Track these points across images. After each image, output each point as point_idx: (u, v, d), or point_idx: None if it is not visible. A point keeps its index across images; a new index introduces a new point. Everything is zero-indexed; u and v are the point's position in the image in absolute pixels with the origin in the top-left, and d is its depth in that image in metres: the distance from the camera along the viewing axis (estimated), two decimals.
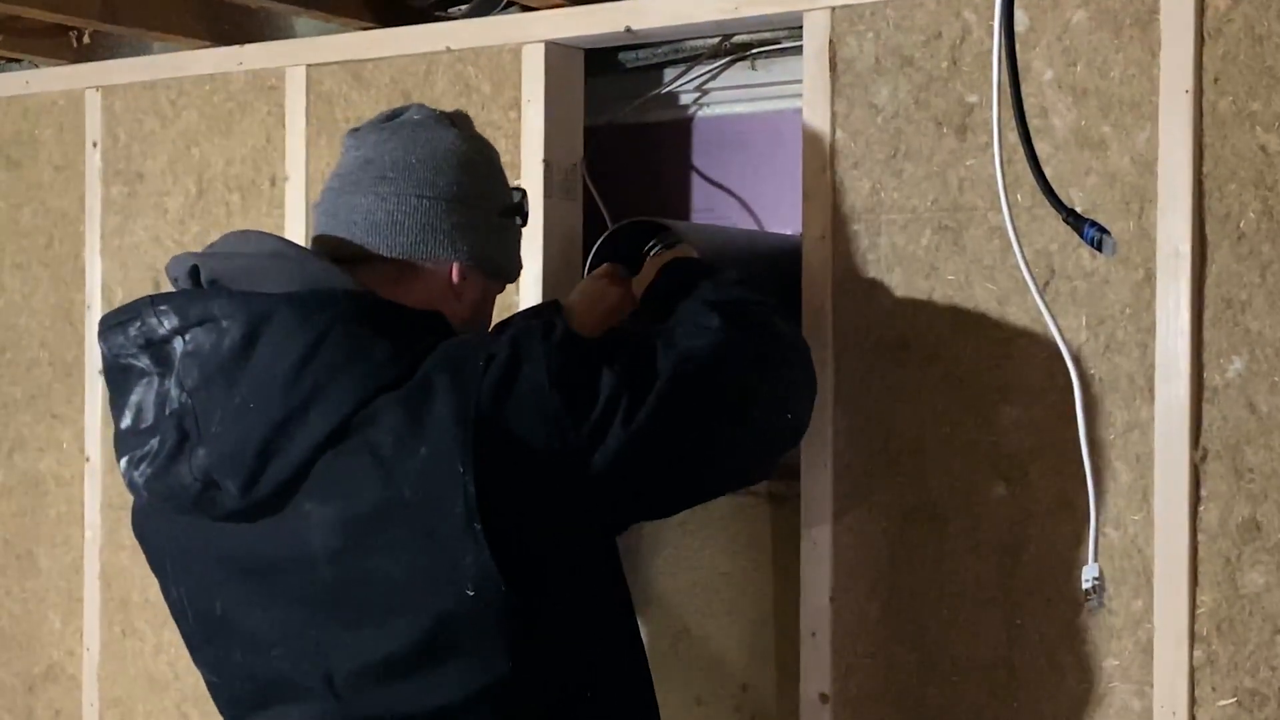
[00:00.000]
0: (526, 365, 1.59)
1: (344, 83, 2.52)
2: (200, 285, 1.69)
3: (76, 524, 2.87)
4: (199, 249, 2.70)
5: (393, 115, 1.82)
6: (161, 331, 1.64)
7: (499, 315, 2.32)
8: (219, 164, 2.69)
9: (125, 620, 2.80)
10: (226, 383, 1.59)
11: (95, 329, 2.78)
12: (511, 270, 1.86)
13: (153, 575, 2.73)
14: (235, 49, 2.67)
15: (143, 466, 1.66)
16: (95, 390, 2.84)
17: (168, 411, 1.63)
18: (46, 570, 2.92)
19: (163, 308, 1.65)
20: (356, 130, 1.82)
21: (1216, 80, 1.81)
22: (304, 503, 1.60)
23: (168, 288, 2.71)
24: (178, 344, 1.63)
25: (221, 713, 1.80)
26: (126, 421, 1.67)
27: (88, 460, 2.85)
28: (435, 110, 1.81)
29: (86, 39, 3.01)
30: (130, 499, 1.77)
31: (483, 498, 1.54)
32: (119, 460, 1.69)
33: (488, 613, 1.58)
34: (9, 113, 2.97)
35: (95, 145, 2.83)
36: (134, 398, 1.67)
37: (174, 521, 1.70)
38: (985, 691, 1.96)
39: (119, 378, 1.69)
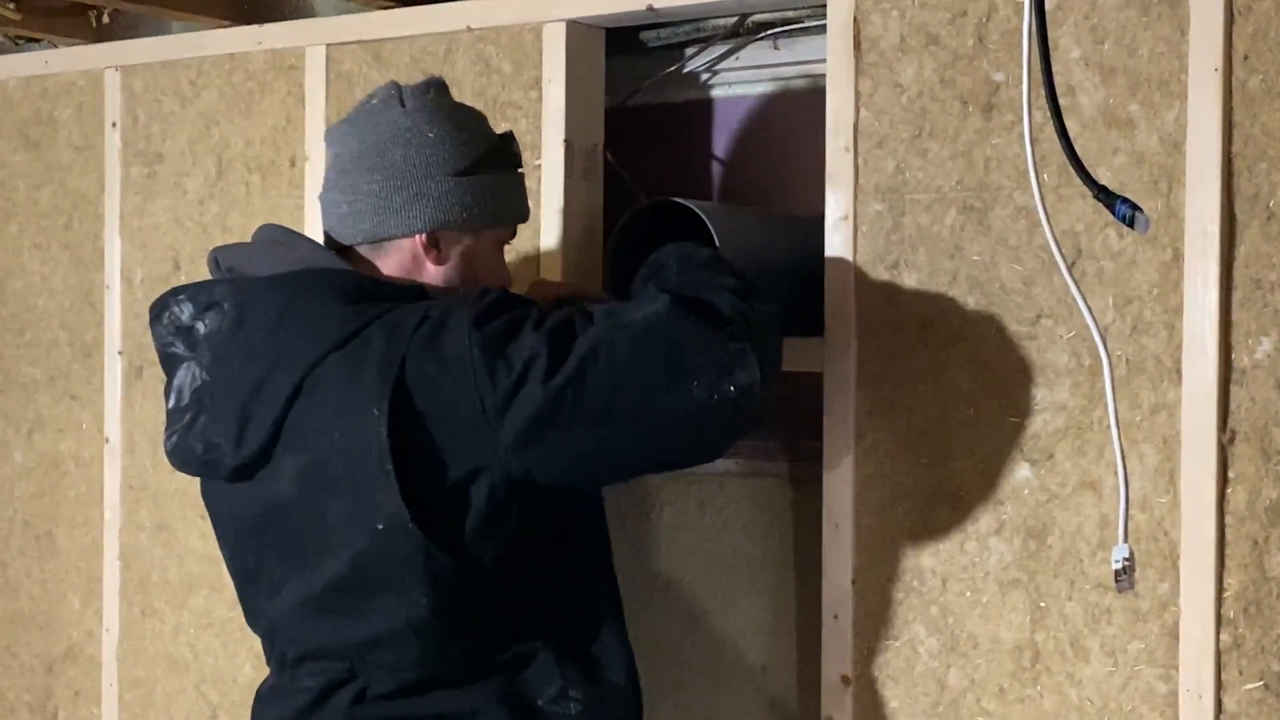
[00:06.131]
0: (453, 323, 1.70)
1: (364, 62, 2.51)
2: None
3: (96, 505, 2.87)
4: (218, 230, 2.73)
5: (362, 104, 1.93)
6: (184, 319, 1.84)
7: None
8: (239, 144, 2.68)
9: (144, 601, 2.80)
10: (229, 358, 1.80)
11: (115, 310, 2.83)
12: (498, 215, 1.92)
13: (171, 556, 2.76)
14: (255, 28, 2.66)
15: (173, 438, 1.85)
16: (114, 371, 2.84)
17: (194, 389, 1.83)
18: (66, 551, 2.92)
19: (180, 297, 1.85)
20: (331, 128, 1.95)
21: (1246, 58, 1.80)
22: (283, 456, 1.77)
23: (186, 268, 2.75)
24: (199, 327, 1.83)
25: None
26: (171, 402, 1.86)
27: (107, 441, 2.84)
28: (398, 89, 1.90)
29: (106, 18, 3.01)
30: None
31: (397, 442, 1.68)
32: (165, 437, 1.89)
33: (400, 550, 1.70)
34: (28, 93, 2.97)
35: (115, 125, 2.83)
36: (176, 380, 1.85)
37: (215, 490, 1.89)
38: (1008, 674, 1.95)
39: (167, 364, 1.88)
